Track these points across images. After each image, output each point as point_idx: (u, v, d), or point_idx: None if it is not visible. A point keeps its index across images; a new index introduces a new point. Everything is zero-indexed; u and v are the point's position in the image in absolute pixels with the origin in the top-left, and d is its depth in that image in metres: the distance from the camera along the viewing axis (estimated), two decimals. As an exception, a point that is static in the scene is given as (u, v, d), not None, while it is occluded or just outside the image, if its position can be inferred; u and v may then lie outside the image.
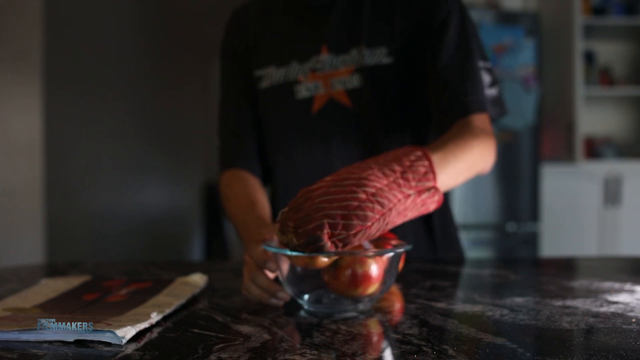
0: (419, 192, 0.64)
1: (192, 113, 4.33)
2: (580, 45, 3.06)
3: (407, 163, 0.65)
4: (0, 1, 2.46)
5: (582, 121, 3.11)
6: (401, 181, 0.63)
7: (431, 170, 0.65)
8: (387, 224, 0.62)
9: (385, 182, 0.62)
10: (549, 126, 3.29)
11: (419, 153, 0.67)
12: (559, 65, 3.23)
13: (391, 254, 0.63)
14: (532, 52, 2.96)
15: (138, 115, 3.62)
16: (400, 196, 0.62)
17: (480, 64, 0.93)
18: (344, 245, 0.60)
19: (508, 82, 2.90)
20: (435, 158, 0.71)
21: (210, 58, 4.36)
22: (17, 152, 2.52)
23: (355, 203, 0.59)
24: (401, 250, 0.64)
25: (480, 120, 0.86)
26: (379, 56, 0.93)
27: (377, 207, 0.60)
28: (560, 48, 3.22)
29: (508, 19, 2.99)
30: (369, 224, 0.59)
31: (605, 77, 3.28)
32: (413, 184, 0.64)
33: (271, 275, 0.68)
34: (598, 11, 3.18)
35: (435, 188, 0.66)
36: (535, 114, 2.96)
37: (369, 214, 0.59)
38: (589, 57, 3.26)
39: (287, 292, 0.66)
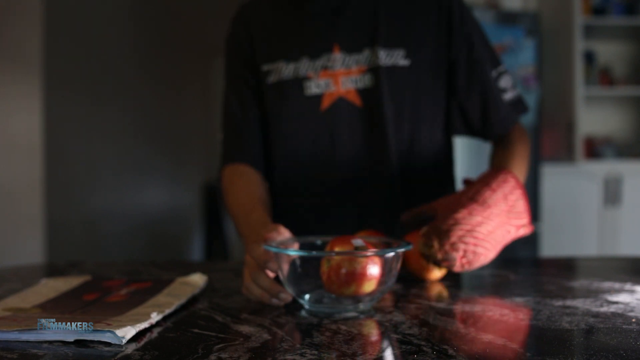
0: (517, 228, 0.82)
1: (192, 113, 4.33)
2: (580, 45, 3.06)
3: (511, 203, 0.82)
4: (0, 1, 2.46)
5: (582, 121, 3.11)
6: (505, 221, 0.80)
7: (526, 210, 0.82)
8: (495, 254, 0.80)
9: (496, 223, 0.79)
10: (549, 126, 3.29)
11: (518, 192, 0.83)
12: (559, 65, 3.23)
13: (392, 253, 0.63)
14: (532, 52, 2.96)
15: (138, 115, 3.62)
16: (505, 234, 0.80)
17: (501, 68, 1.01)
18: (470, 266, 0.77)
19: (508, 82, 2.90)
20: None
21: (210, 58, 4.37)
22: (17, 152, 2.52)
23: (482, 236, 0.77)
24: (401, 249, 0.64)
25: (521, 130, 1.04)
26: (396, 57, 0.94)
27: (493, 242, 0.78)
28: (560, 48, 3.22)
29: (508, 19, 2.99)
30: (488, 253, 0.78)
31: (605, 77, 3.28)
32: (514, 222, 0.81)
33: (271, 274, 0.68)
34: (598, 11, 3.18)
35: (528, 224, 0.83)
36: (535, 114, 2.96)
37: (488, 245, 0.78)
38: (589, 57, 3.26)
39: (288, 293, 0.66)
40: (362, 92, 0.95)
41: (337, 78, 0.95)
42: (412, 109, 0.96)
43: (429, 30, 0.96)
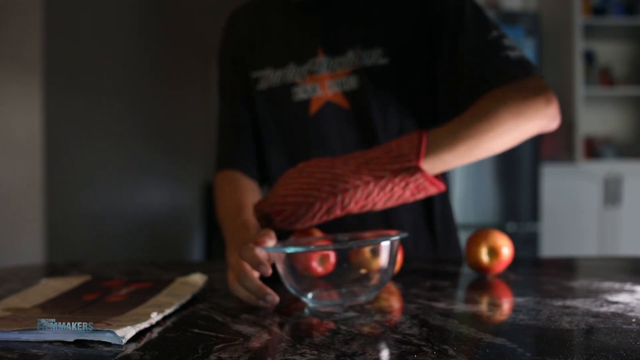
0: (394, 172, 0.68)
1: (192, 113, 4.33)
2: (580, 45, 3.06)
3: (392, 146, 0.71)
4: (0, 1, 2.46)
5: (582, 121, 3.11)
6: (373, 165, 0.69)
7: (414, 150, 0.68)
8: (348, 203, 0.70)
9: (351, 167, 0.70)
10: (549, 126, 3.29)
11: (413, 136, 0.71)
12: (559, 65, 3.24)
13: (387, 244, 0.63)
14: (532, 52, 2.96)
15: (138, 115, 3.62)
16: (367, 178, 0.69)
17: (498, 32, 0.89)
18: (294, 222, 0.72)
19: (508, 82, 2.90)
20: (443, 132, 0.73)
21: (210, 58, 4.35)
22: (17, 152, 2.52)
23: (305, 188, 0.69)
24: (396, 237, 0.64)
25: (533, 81, 0.83)
26: (375, 57, 0.93)
27: (326, 187, 0.69)
28: (560, 48, 3.22)
29: (508, 19, 2.99)
30: (314, 201, 0.69)
31: (605, 77, 3.28)
32: (388, 166, 0.69)
33: (255, 274, 0.68)
34: (598, 11, 3.18)
35: (415, 167, 0.68)
36: (535, 114, 2.96)
37: (314, 193, 0.69)
38: (589, 57, 3.26)
39: (275, 295, 0.65)
40: (349, 95, 0.95)
41: (323, 82, 0.95)
42: (397, 107, 0.95)
43: (409, 24, 0.93)
